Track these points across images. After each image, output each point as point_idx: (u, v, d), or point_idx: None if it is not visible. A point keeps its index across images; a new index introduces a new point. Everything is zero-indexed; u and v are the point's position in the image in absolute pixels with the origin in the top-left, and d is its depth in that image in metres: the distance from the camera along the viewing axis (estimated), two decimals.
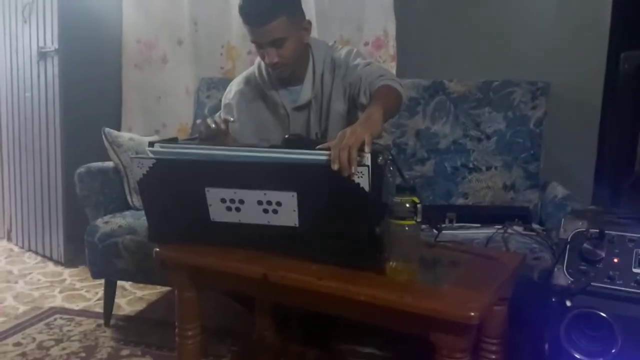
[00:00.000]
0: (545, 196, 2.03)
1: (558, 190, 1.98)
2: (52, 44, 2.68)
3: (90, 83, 2.75)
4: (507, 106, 2.13)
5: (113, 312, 2.11)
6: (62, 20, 2.66)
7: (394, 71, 2.32)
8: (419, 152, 2.19)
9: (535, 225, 1.84)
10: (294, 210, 1.21)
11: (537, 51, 2.24)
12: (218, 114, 1.79)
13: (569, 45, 2.21)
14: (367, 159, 1.14)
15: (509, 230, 1.73)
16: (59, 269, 2.74)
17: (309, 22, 1.64)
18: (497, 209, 2.03)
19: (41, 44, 2.74)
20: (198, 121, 1.64)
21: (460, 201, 2.13)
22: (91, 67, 2.76)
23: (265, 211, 1.23)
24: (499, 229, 1.74)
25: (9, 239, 3.19)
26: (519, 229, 1.77)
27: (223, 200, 1.26)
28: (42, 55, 2.74)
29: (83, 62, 2.73)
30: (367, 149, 1.14)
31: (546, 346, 1.17)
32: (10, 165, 3.11)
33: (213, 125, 1.48)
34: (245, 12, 1.53)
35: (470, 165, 2.14)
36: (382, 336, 1.84)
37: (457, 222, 1.84)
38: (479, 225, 1.81)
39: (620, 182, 1.64)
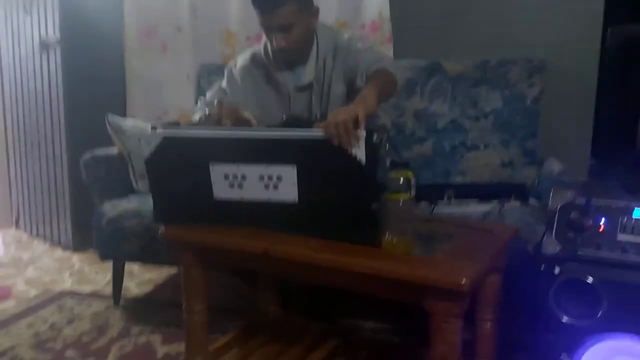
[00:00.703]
0: (543, 172, 2.06)
1: (555, 166, 2.00)
2: (54, 34, 2.71)
3: (92, 72, 2.78)
4: (504, 84, 2.15)
5: (122, 294, 2.17)
6: (64, 10, 2.69)
7: (390, 53, 2.34)
8: (417, 132, 2.22)
9: (532, 200, 1.88)
10: (294, 184, 1.26)
11: (533, 29, 2.24)
12: (218, 83, 1.84)
13: (564, 22, 2.21)
14: (362, 130, 1.19)
15: (506, 206, 1.77)
16: (68, 254, 2.80)
17: (317, 9, 1.67)
18: (494, 186, 2.06)
19: (43, 34, 2.77)
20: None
21: (459, 179, 2.15)
22: (93, 56, 2.79)
23: (267, 187, 1.28)
24: (495, 205, 1.77)
25: (17, 227, 3.25)
26: (516, 204, 1.80)
27: (226, 177, 1.31)
28: (45, 46, 2.77)
29: (85, 51, 2.76)
30: (361, 125, 1.19)
31: (537, 312, 1.22)
32: (17, 154, 3.16)
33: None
34: None
35: (468, 144, 2.16)
36: (385, 310, 1.89)
37: (454, 199, 1.89)
38: (476, 201, 1.85)
39: (616, 157, 1.66)
